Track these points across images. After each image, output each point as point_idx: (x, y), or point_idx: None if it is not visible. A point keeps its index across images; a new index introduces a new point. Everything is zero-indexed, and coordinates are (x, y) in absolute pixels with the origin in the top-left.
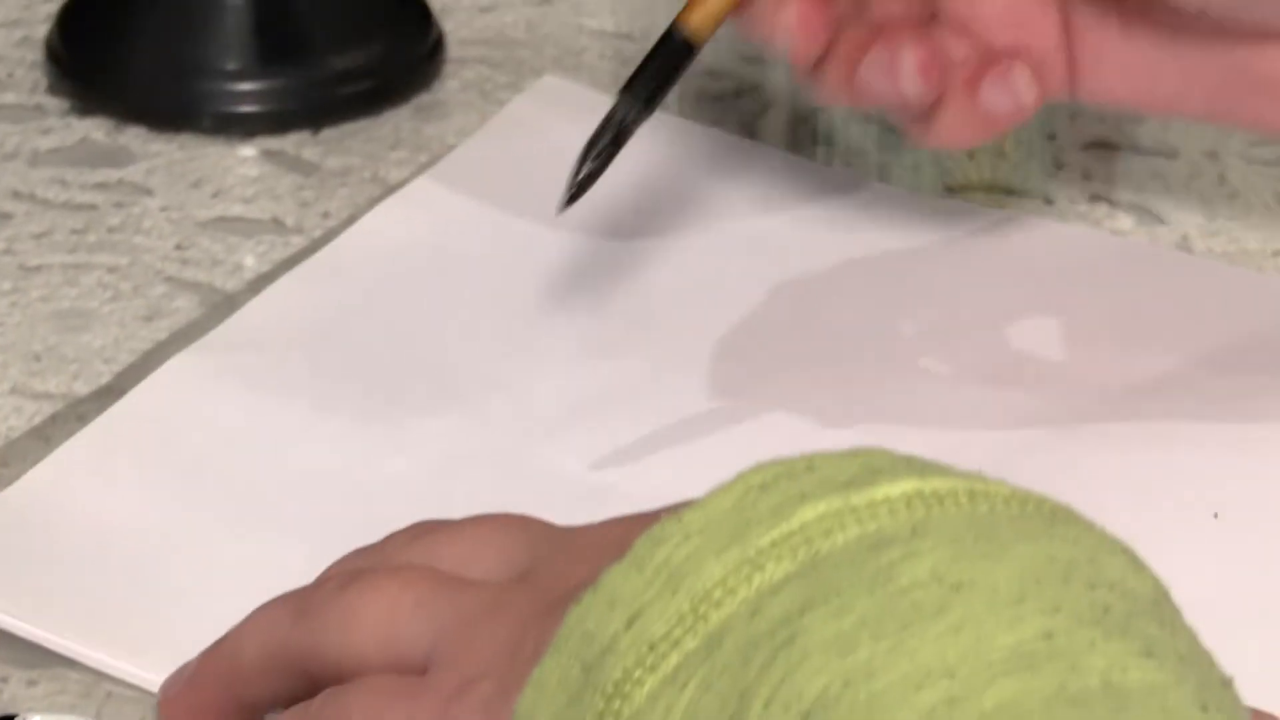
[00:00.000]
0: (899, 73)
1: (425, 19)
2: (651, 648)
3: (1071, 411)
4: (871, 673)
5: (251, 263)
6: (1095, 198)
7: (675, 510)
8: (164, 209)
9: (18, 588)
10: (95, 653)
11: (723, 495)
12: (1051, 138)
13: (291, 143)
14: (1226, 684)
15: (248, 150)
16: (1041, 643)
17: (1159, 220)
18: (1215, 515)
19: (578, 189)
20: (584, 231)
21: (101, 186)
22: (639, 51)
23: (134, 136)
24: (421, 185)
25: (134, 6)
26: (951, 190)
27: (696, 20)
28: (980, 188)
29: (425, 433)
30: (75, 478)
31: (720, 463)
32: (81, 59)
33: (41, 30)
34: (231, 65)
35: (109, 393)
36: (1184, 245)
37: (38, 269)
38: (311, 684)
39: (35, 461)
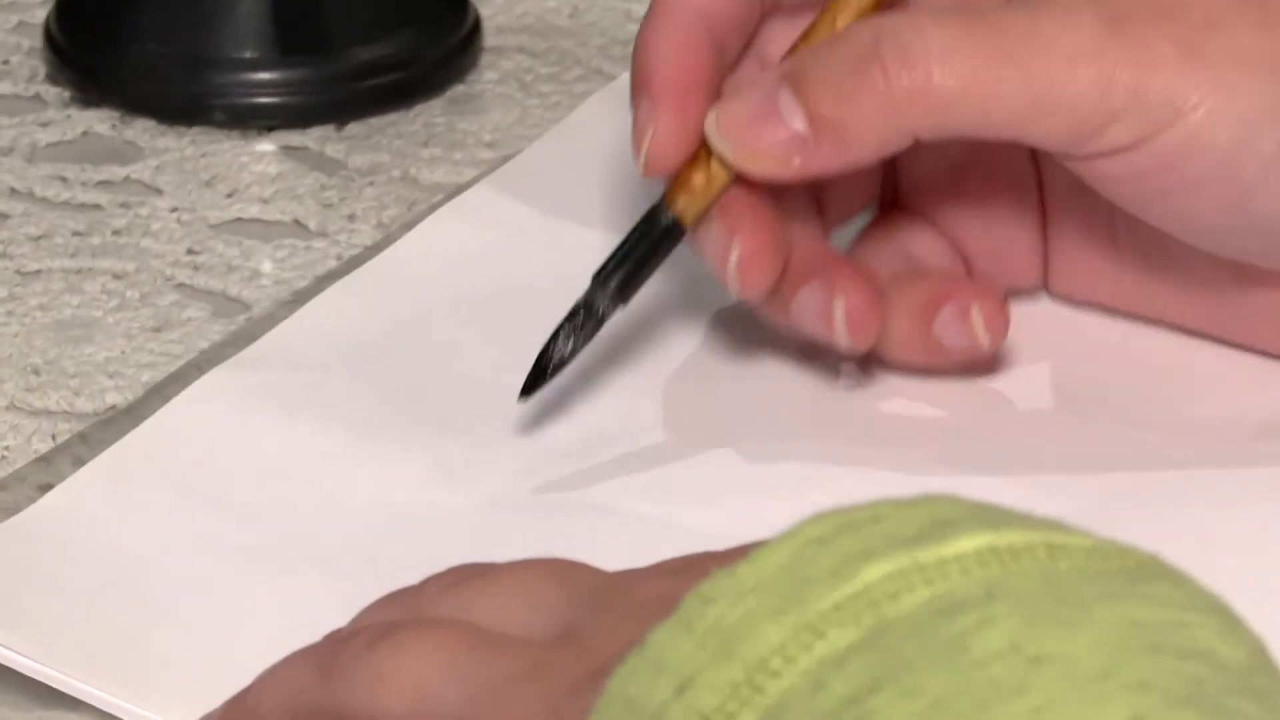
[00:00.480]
0: (830, 319)
1: (460, 4)
2: None
3: (1165, 451)
4: None
5: (269, 269)
6: None
7: (728, 560)
8: (174, 210)
9: (23, 621)
10: (105, 694)
11: (778, 549)
12: None
13: (314, 138)
14: None
15: (266, 146)
16: None
17: None
18: None
19: (542, 377)
20: None
21: (105, 185)
22: None
23: (141, 130)
24: (479, 193)
25: None
26: None
27: (684, 201)
28: None
29: (475, 463)
30: (90, 505)
31: (797, 498)
32: (84, 45)
33: (40, 14)
34: (248, 53)
35: (118, 412)
36: None
37: (36, 275)
38: None
39: (34, 485)
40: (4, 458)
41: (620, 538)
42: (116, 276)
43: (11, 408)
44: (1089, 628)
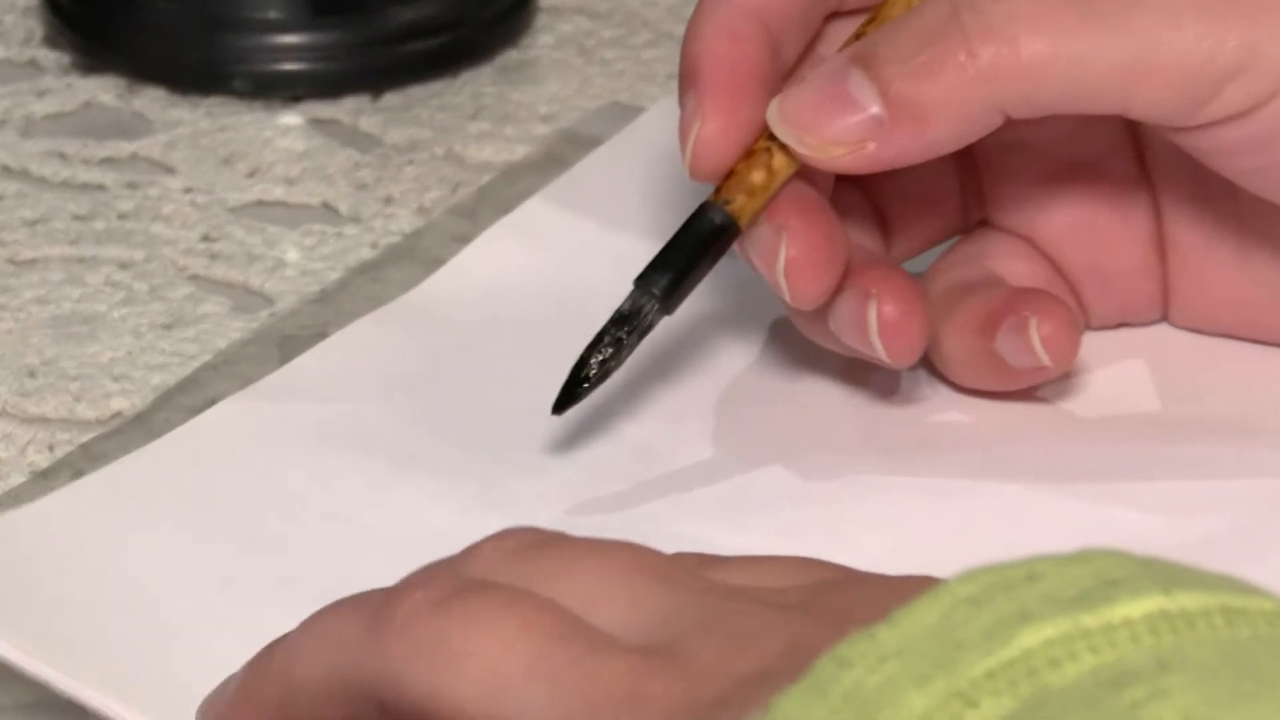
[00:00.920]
0: (866, 328)
1: None
2: None
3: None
4: None
5: (295, 258)
6: None
7: (851, 583)
8: (187, 191)
9: (22, 619)
10: (103, 696)
11: (924, 609)
12: None
13: (346, 110)
14: None
15: (292, 119)
16: None
17: None
18: None
19: (576, 390)
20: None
21: (110, 163)
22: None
23: (151, 100)
24: (534, 209)
25: None
26: None
27: (740, 200)
28: None
29: (517, 492)
30: (94, 515)
31: (854, 517)
32: (87, 3)
33: None
34: (273, 13)
35: (125, 421)
36: None
37: (32, 264)
38: (383, 714)
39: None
40: None
41: None
42: (122, 266)
43: (4, 414)
44: (1273, 704)
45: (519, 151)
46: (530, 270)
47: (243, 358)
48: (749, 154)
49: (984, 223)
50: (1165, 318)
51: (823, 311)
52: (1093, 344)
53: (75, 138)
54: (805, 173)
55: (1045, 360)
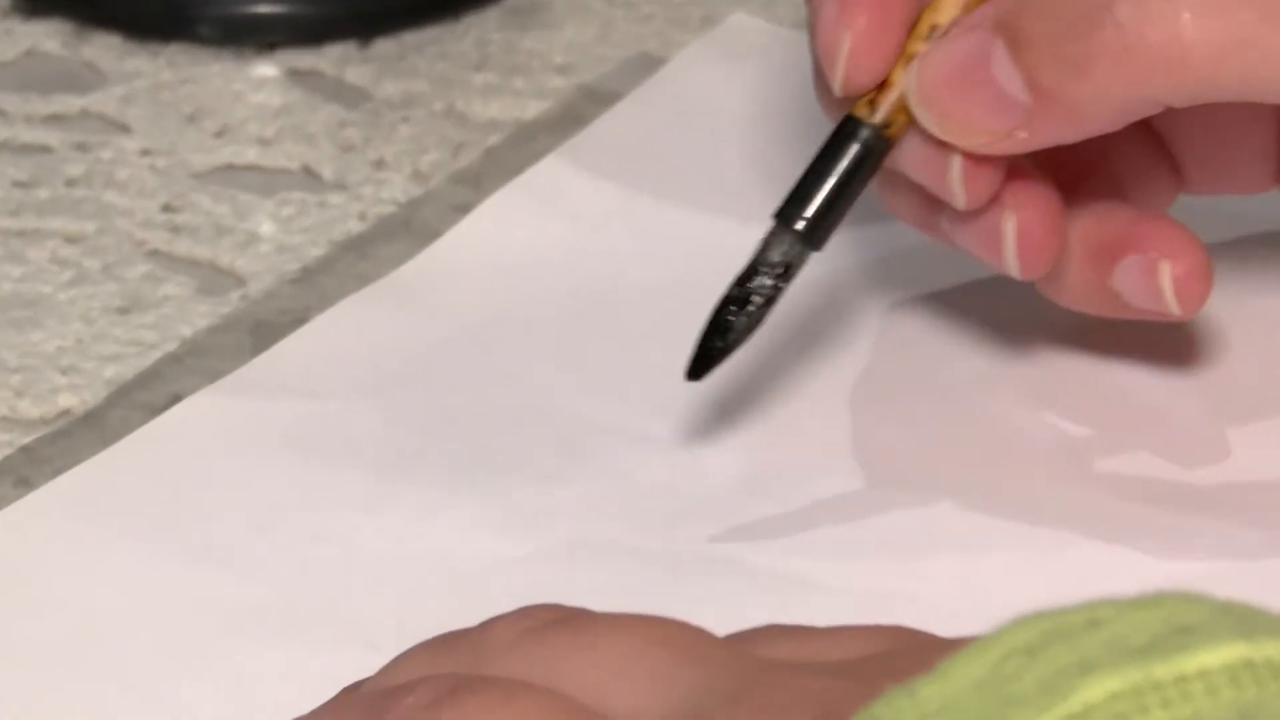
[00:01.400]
0: (1000, 241)
1: None
2: None
3: None
4: None
5: (271, 231)
6: None
7: (904, 649)
8: (146, 153)
9: None
10: None
11: (971, 661)
12: None
13: (330, 60)
14: None
15: (267, 69)
16: None
17: None
18: None
19: (715, 351)
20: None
21: (57, 120)
22: None
23: (103, 48)
24: (547, 171)
25: None
26: None
27: (888, 109)
28: None
29: (536, 508)
30: (39, 539)
31: (973, 560)
32: None
33: None
34: None
35: (74, 420)
36: None
37: None
38: None
39: None
40: None
41: (729, 602)
42: (71, 240)
43: None
44: None
45: (531, 108)
46: (542, 242)
47: (210, 347)
48: (899, 51)
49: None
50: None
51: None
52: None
53: (15, 91)
54: None
55: (1175, 309)
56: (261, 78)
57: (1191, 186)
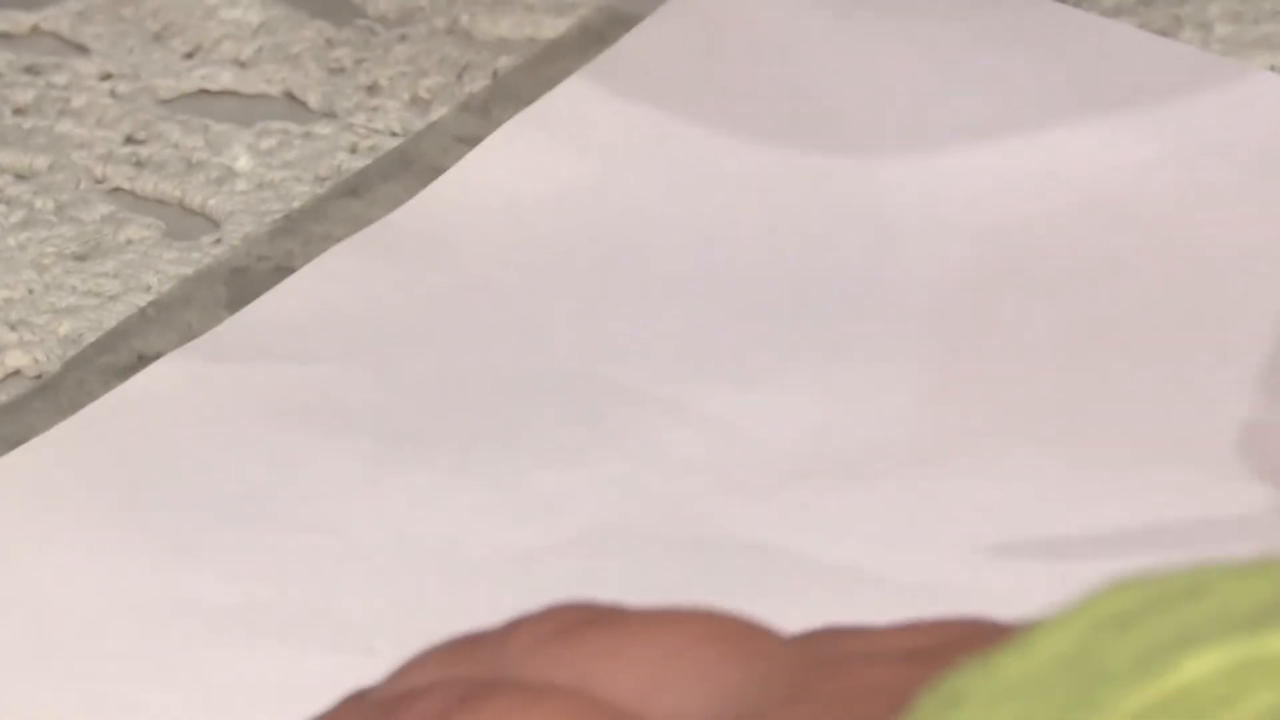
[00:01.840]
0: None
1: None
2: None
3: None
4: None
5: (249, 166)
6: None
7: (988, 638)
8: (107, 78)
9: None
10: None
11: (1058, 631)
12: None
13: None
14: None
15: None
16: None
17: None
18: None
19: None
20: (802, 152)
21: (3, 39)
22: None
23: None
24: (565, 96)
25: None
26: None
27: None
28: None
29: (557, 487)
30: None
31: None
32: None
33: None
34: None
35: (26, 384)
36: None
37: None
38: None
39: None
40: None
41: (774, 599)
42: (20, 177)
43: None
44: None
45: (546, 26)
46: (560, 178)
47: (181, 300)
48: None
49: None
50: None
51: None
52: None
53: None
54: None
55: None
56: None
57: None
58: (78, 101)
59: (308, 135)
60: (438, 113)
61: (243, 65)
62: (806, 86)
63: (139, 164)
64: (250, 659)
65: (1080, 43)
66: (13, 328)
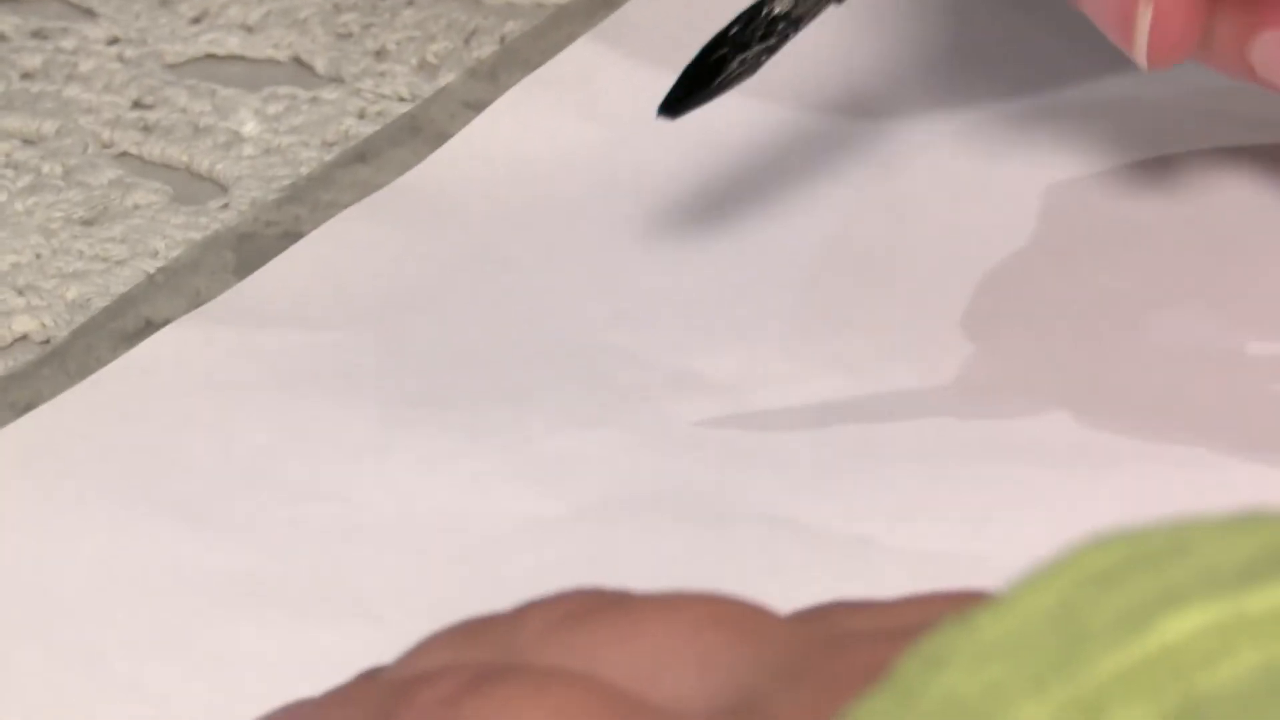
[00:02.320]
0: (1130, 24)
1: None
2: None
3: None
4: None
5: (255, 131)
6: None
7: (966, 604)
8: (114, 42)
9: None
10: None
11: (1040, 588)
12: None
13: None
14: None
15: None
16: None
17: None
18: None
19: (702, 84)
20: (826, 115)
21: (11, 4)
22: None
23: None
24: (574, 58)
25: None
26: None
27: None
28: None
29: (571, 455)
30: None
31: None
32: None
33: None
34: None
35: (36, 350)
36: None
37: None
38: None
39: None
40: None
41: (789, 571)
42: (28, 142)
43: None
44: None
45: None
46: (571, 142)
47: (188, 265)
48: None
49: None
50: None
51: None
52: None
53: None
54: None
55: None
56: None
57: None
58: (85, 66)
59: (315, 100)
60: (445, 78)
61: (250, 30)
62: (816, 50)
63: (146, 129)
64: (256, 628)
65: None
66: (20, 293)
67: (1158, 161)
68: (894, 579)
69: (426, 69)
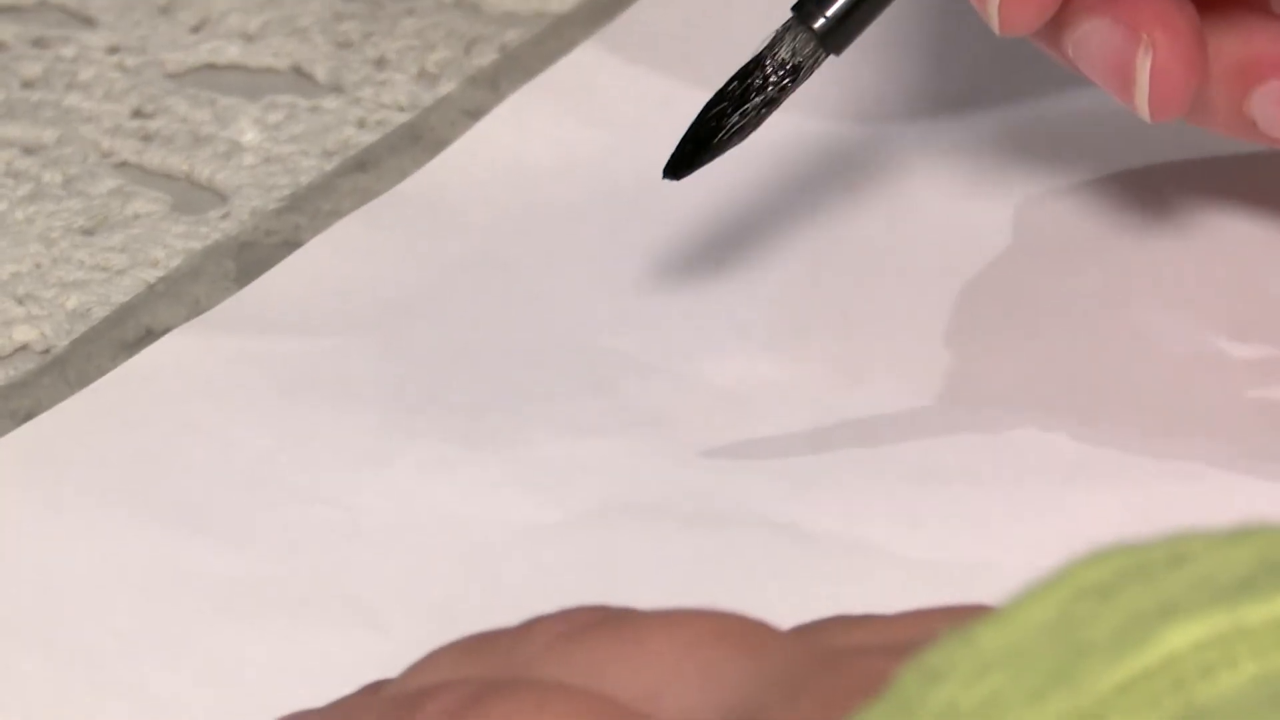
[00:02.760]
0: (1129, 77)
1: None
2: None
3: None
4: None
5: (256, 139)
6: None
7: (966, 618)
8: (114, 50)
9: None
10: None
11: (1038, 601)
12: None
13: None
14: None
15: None
16: None
17: None
18: None
19: (702, 147)
20: (823, 121)
21: (11, 12)
22: None
23: None
24: (575, 65)
25: None
26: None
27: None
28: None
29: (571, 463)
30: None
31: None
32: None
33: None
34: None
35: (35, 359)
36: None
37: None
38: None
39: None
40: None
41: (790, 577)
42: (28, 151)
43: None
44: None
45: (555, 0)
46: (571, 148)
47: (189, 274)
48: None
49: None
50: None
51: (1055, 25)
52: None
53: None
54: None
55: None
56: None
57: None
58: (85, 75)
59: (315, 109)
60: (446, 87)
61: (250, 39)
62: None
63: (146, 138)
64: (257, 634)
65: None
66: (20, 302)
67: (1148, 171)
68: (896, 584)
69: (426, 78)
